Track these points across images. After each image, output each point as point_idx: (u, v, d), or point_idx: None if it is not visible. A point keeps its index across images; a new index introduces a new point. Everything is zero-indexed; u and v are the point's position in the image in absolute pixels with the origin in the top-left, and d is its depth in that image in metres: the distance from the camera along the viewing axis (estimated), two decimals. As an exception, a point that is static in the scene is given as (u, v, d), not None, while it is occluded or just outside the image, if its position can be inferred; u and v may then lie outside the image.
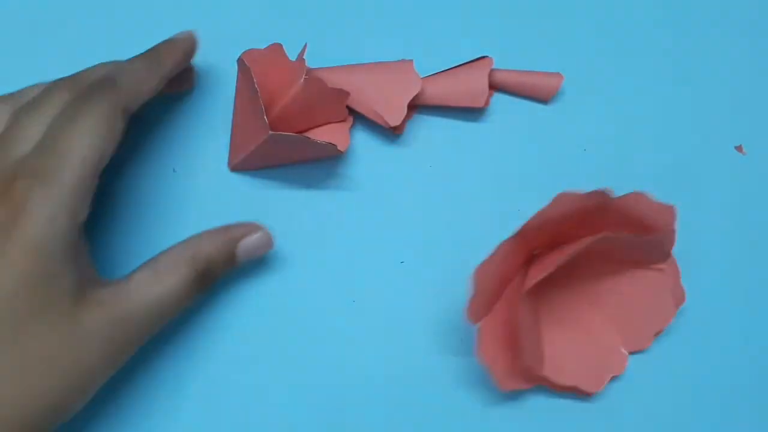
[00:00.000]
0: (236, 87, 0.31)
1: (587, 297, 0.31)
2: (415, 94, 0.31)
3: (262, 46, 0.30)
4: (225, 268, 0.28)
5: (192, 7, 0.34)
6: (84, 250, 0.24)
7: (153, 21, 0.34)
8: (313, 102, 0.30)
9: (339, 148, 0.29)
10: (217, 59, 0.33)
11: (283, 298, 0.31)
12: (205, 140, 0.32)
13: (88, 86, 0.25)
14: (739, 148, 0.33)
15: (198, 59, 0.32)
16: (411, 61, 0.31)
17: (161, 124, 0.32)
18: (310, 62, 0.32)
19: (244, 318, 0.31)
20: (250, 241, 0.28)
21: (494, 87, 0.33)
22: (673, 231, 0.29)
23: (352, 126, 0.32)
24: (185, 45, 0.29)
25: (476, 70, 0.32)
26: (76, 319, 0.23)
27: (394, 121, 0.31)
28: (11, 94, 0.27)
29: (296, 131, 0.31)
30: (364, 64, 0.32)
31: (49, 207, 0.22)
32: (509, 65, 0.33)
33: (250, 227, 0.28)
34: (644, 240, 0.28)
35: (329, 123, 0.31)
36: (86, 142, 0.23)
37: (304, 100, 0.30)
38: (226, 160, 0.32)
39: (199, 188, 0.32)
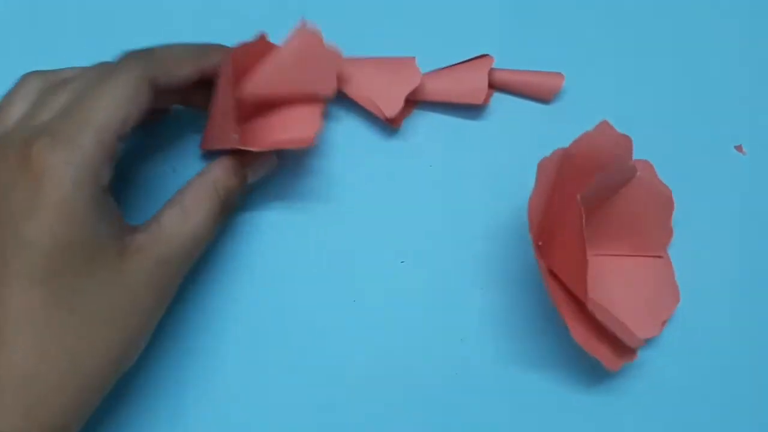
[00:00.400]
0: (219, 81, 0.29)
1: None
2: (413, 87, 0.31)
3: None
4: (241, 194, 0.29)
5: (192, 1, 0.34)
6: (112, 204, 0.24)
7: (156, 14, 0.34)
8: (304, 61, 0.29)
9: (308, 133, 0.29)
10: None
11: (284, 299, 0.31)
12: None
13: (119, 56, 0.26)
14: (738, 148, 0.33)
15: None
16: (413, 57, 0.31)
17: (160, 124, 0.32)
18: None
19: (244, 318, 0.31)
20: (258, 164, 0.30)
21: (495, 86, 0.33)
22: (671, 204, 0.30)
23: (325, 114, 0.31)
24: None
25: (476, 68, 0.32)
26: (122, 269, 0.23)
27: (390, 112, 0.31)
28: (47, 71, 0.27)
29: (273, 95, 0.29)
30: (366, 57, 0.32)
31: (72, 170, 0.22)
32: (511, 65, 0.33)
33: (258, 155, 0.30)
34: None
35: (304, 102, 0.30)
36: (108, 106, 0.23)
37: (294, 58, 0.29)
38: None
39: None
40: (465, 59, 0.32)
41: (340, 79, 0.31)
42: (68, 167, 0.22)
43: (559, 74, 0.33)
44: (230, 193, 0.28)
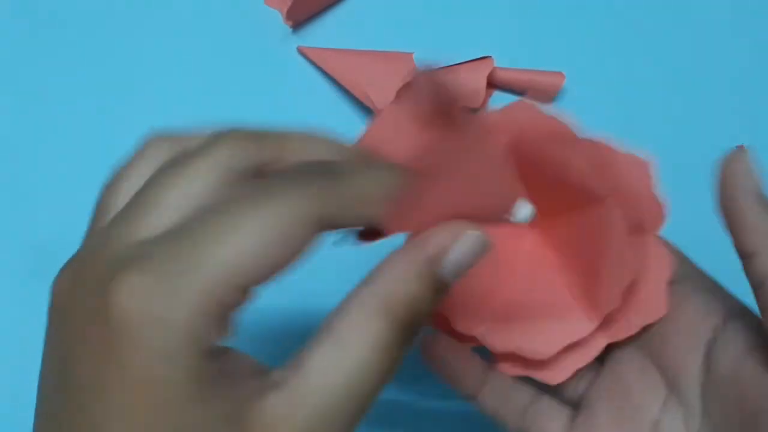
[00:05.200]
0: None
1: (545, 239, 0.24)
2: (407, 82, 0.31)
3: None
4: (435, 302, 0.18)
5: None
6: (229, 368, 0.17)
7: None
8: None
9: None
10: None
11: (283, 298, 0.31)
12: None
13: (281, 173, 0.17)
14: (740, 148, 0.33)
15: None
16: (411, 53, 0.31)
17: (159, 124, 0.32)
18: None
19: (243, 318, 0.31)
20: (458, 252, 0.18)
21: (496, 85, 0.33)
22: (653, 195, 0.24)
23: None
24: None
25: (476, 71, 0.32)
26: None
27: (381, 104, 0.31)
28: (176, 134, 0.19)
29: None
30: (367, 50, 0.32)
31: (163, 339, 0.15)
32: (511, 65, 0.33)
33: (448, 233, 0.18)
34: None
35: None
36: (244, 249, 0.15)
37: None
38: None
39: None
40: (465, 60, 0.32)
41: (338, 70, 0.31)
42: (159, 328, 0.15)
43: (559, 74, 0.33)
44: (415, 308, 0.17)
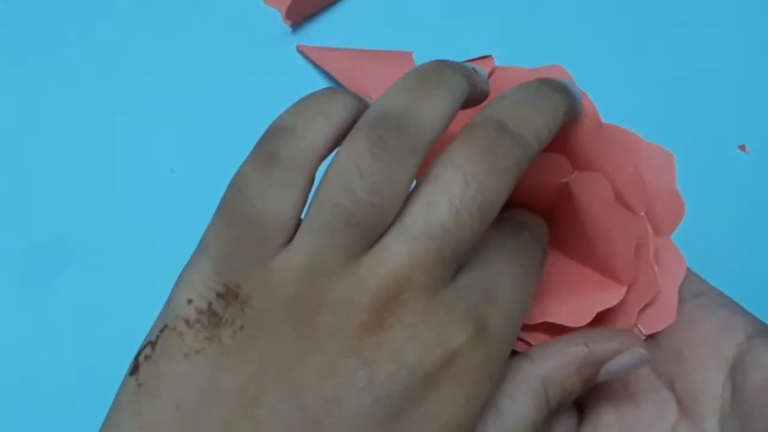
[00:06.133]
0: None
1: None
2: None
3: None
4: (575, 397, 0.20)
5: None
6: None
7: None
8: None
9: None
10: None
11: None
12: (203, 140, 0.32)
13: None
14: (742, 148, 0.33)
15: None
16: (411, 52, 0.31)
17: (159, 124, 0.32)
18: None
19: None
20: (621, 363, 0.19)
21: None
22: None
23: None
24: None
25: (477, 70, 0.32)
26: None
27: None
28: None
29: None
30: (367, 50, 0.32)
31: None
32: (512, 63, 0.33)
33: (621, 342, 0.19)
34: None
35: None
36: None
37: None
38: (226, 161, 0.32)
39: (197, 188, 0.32)
40: (466, 59, 0.32)
41: (338, 69, 0.31)
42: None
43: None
44: (565, 398, 0.19)
